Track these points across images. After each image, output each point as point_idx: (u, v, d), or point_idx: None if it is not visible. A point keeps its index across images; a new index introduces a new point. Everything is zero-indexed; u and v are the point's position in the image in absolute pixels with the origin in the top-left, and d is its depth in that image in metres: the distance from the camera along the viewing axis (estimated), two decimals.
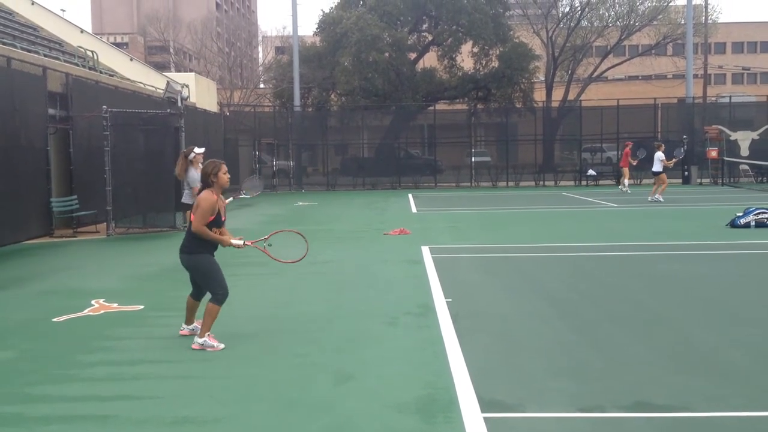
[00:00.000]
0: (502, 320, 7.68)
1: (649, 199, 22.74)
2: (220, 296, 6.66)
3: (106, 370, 6.17)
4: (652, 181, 24.91)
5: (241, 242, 6.75)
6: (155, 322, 7.97)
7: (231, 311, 8.26)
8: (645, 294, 8.92)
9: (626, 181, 26.90)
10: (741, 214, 15.42)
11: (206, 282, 6.72)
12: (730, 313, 7.91)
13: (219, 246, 6.78)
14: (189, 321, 7.13)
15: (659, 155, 22.67)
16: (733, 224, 15.25)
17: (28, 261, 12.92)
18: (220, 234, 6.70)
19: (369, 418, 4.94)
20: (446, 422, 4.85)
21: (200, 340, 6.64)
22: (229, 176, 6.71)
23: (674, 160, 26.40)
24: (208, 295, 6.84)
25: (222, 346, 6.63)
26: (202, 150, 11.05)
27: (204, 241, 6.61)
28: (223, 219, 6.71)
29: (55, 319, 8.02)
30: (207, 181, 6.62)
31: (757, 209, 15.40)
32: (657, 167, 22.71)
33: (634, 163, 26.96)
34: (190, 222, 6.66)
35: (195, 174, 10.93)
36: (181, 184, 11.91)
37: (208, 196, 6.54)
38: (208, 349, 6.58)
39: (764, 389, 5.41)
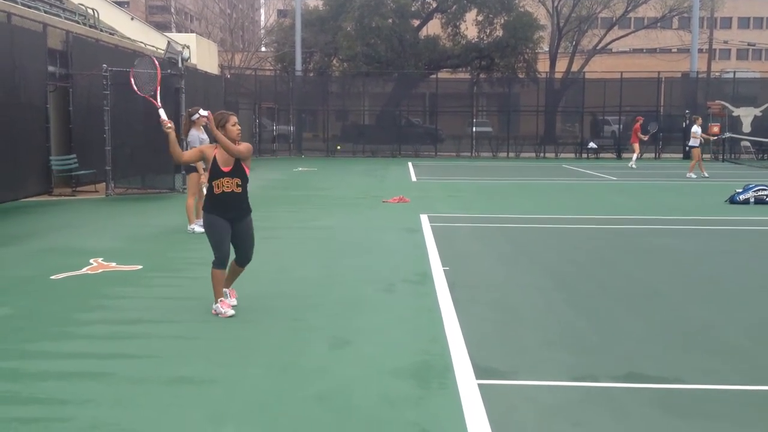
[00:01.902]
0: (498, 290, 7.71)
1: (705, 174, 22.34)
2: (215, 259, 6.51)
3: (103, 329, 6.21)
4: (680, 156, 24.54)
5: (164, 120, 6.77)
6: (153, 282, 8.00)
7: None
8: (642, 268, 8.95)
9: (634, 156, 26.65)
10: (740, 190, 15.43)
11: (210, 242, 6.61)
12: (726, 288, 7.94)
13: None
14: (226, 284, 6.87)
15: (696, 129, 22.40)
16: (732, 200, 15.26)
17: (27, 219, 12.92)
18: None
19: (364, 383, 4.97)
20: (441, 388, 4.89)
21: (213, 306, 6.59)
22: (239, 128, 6.49)
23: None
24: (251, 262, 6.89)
25: (230, 312, 6.49)
26: (206, 113, 10.97)
27: (211, 201, 6.44)
28: (224, 170, 6.40)
29: (53, 277, 8.05)
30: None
31: (756, 186, 15.40)
32: (693, 141, 22.51)
33: (645, 138, 26.66)
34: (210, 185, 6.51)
35: (195, 134, 10.88)
36: (185, 146, 11.82)
37: (204, 147, 6.56)
38: (221, 315, 6.48)
39: (757, 364, 5.45)
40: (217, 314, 6.53)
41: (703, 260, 9.57)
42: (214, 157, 6.41)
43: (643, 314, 6.80)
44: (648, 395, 4.82)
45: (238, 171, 6.47)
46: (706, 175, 22.19)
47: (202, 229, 10.66)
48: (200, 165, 10.73)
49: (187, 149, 11.02)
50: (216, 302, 6.59)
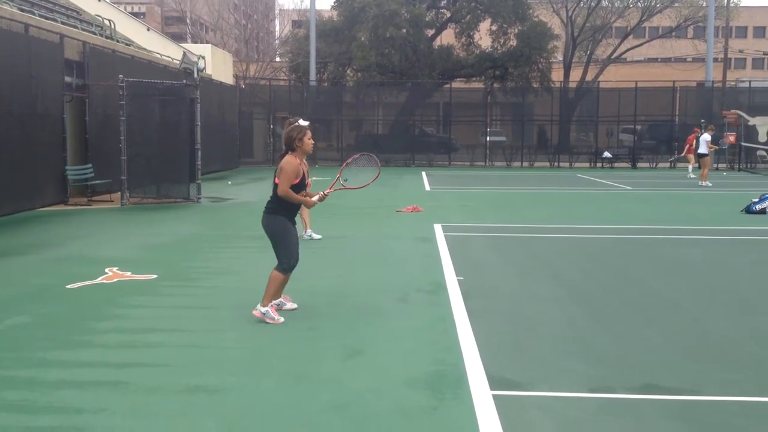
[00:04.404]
0: (513, 300, 7.68)
1: (699, 184, 22.47)
2: (285, 265, 6.64)
3: (118, 338, 6.23)
4: (697, 164, 24.58)
5: (319, 195, 6.84)
6: (168, 291, 8.03)
7: (244, 283, 8.31)
8: (657, 278, 8.89)
9: (690, 167, 26.62)
10: (757, 200, 15.31)
11: (276, 246, 6.67)
12: (742, 299, 7.87)
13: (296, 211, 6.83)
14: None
15: (706, 137, 22.42)
16: (749, 210, 15.15)
17: (43, 228, 13.01)
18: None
19: (378, 393, 4.96)
20: (455, 398, 4.87)
21: (263, 309, 6.61)
22: (313, 142, 6.76)
23: (716, 147, 26.14)
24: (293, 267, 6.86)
25: (281, 320, 6.61)
26: (307, 123, 11.20)
27: (284, 205, 6.62)
28: (307, 182, 6.76)
29: (68, 286, 8.09)
30: (291, 146, 6.64)
31: None
32: (703, 149, 22.48)
33: (713, 148, 26.52)
34: (275, 185, 6.62)
35: None
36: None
37: (291, 160, 6.55)
38: (268, 320, 6.55)
39: None
40: (264, 318, 6.57)
41: (721, 270, 9.50)
42: (302, 173, 6.66)
43: (661, 325, 6.75)
44: (666, 407, 4.78)
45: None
46: (709, 184, 22.13)
47: (320, 236, 11.04)
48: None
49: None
50: (267, 306, 6.63)
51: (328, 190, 6.90)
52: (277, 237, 6.66)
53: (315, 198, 6.82)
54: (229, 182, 22.69)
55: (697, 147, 23.30)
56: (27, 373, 5.33)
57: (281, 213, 6.66)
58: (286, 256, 6.66)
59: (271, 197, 6.73)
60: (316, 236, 11.42)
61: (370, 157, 7.32)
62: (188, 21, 71.27)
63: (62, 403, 4.76)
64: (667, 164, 33.13)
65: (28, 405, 4.73)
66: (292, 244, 6.69)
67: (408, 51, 37.41)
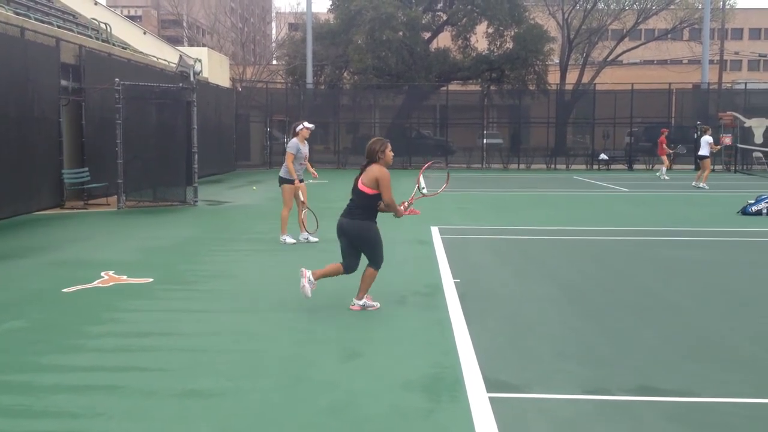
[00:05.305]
0: (510, 302, 7.68)
1: (693, 184, 22.41)
2: (380, 263, 7.17)
3: (114, 342, 6.21)
4: (692, 167, 24.53)
5: (404, 205, 7.42)
6: (164, 294, 8.01)
7: (241, 286, 8.30)
8: (654, 280, 8.89)
9: (663, 168, 26.57)
10: (753, 201, 15.33)
11: (374, 250, 7.12)
12: (739, 300, 7.88)
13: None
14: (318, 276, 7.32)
15: (707, 139, 22.31)
16: (745, 211, 15.17)
17: (39, 231, 12.98)
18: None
19: (375, 395, 4.95)
20: (452, 401, 4.87)
21: (360, 302, 7.15)
22: (393, 154, 7.21)
23: (718, 147, 25.99)
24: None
25: (377, 304, 7.20)
26: (311, 126, 11.55)
27: (374, 211, 7.10)
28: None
29: (64, 290, 8.07)
30: (374, 158, 7.04)
31: None
32: (704, 151, 22.36)
33: (670, 151, 26.56)
34: (360, 192, 7.03)
35: (295, 143, 11.26)
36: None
37: (385, 170, 6.99)
38: (369, 308, 7.14)
39: None
40: (365, 308, 7.16)
41: (717, 271, 9.50)
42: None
43: (657, 326, 6.76)
44: (661, 408, 4.78)
45: None
46: (706, 187, 22.08)
47: (294, 240, 11.21)
48: (296, 176, 11.19)
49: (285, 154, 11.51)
50: (364, 298, 7.20)
51: (411, 200, 7.53)
52: (374, 242, 7.12)
53: (401, 208, 7.34)
54: (254, 187, 22.73)
55: (698, 149, 23.23)
56: (22, 377, 5.31)
57: (372, 219, 7.13)
58: (382, 256, 7.16)
59: (355, 204, 7.12)
60: (313, 239, 11.41)
61: (438, 163, 7.77)
62: (185, 24, 71.27)
63: (58, 408, 4.74)
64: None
65: (23, 410, 4.72)
66: (382, 245, 7.18)
67: (404, 54, 37.44)
